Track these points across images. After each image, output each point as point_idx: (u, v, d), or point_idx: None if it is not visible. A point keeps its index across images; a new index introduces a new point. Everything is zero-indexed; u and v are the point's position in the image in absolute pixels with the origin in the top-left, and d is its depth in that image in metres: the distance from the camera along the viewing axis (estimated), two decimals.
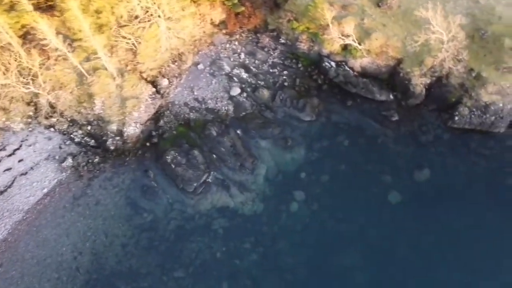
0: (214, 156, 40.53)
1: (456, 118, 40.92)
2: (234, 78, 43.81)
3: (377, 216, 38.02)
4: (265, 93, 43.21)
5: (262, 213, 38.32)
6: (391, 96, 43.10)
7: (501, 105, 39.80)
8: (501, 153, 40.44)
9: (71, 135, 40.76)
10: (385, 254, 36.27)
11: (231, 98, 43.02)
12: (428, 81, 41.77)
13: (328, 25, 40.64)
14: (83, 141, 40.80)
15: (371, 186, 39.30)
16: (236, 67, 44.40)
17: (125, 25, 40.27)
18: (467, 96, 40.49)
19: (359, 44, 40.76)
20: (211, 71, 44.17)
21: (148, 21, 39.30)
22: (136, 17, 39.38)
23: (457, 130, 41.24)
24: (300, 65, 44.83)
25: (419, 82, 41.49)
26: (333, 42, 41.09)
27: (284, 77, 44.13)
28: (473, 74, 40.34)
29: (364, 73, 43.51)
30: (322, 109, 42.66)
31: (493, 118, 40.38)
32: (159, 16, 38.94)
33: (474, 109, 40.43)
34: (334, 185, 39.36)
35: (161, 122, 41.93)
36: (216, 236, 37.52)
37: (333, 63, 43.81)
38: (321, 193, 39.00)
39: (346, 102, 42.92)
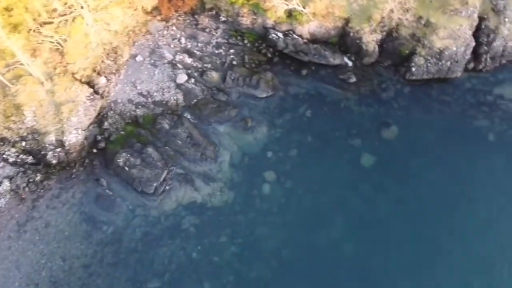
0: (171, 150, 36.90)
1: (413, 69, 39.90)
2: (178, 65, 40.31)
3: (353, 182, 36.25)
4: (214, 76, 40.09)
5: (234, 201, 35.30)
6: (345, 58, 41.46)
7: (454, 49, 39.13)
8: (462, 97, 40.01)
9: (4, 156, 35.57)
10: (369, 218, 34.64)
11: (178, 86, 39.51)
12: (380, 36, 40.44)
13: None
14: (19, 160, 35.79)
15: (342, 153, 37.45)
16: (178, 53, 40.90)
17: (47, 22, 35.63)
18: (420, 45, 39.52)
19: (304, 8, 38.50)
20: (152, 61, 40.39)
21: (70, 13, 34.90)
22: (54, 10, 34.84)
23: (416, 81, 40.29)
24: (246, 41, 42.06)
25: (370, 39, 40.05)
26: (276, 10, 38.60)
27: (232, 56, 41.18)
28: (423, 22, 39.42)
29: (314, 39, 41.54)
30: (277, 83, 40.16)
31: (448, 63, 39.73)
32: (81, 8, 34.62)
33: (429, 58, 39.51)
34: (304, 159, 37.08)
35: (106, 124, 37.70)
36: (188, 236, 34.08)
37: (280, 34, 41.44)
38: (292, 169, 36.57)
39: (301, 72, 40.71)
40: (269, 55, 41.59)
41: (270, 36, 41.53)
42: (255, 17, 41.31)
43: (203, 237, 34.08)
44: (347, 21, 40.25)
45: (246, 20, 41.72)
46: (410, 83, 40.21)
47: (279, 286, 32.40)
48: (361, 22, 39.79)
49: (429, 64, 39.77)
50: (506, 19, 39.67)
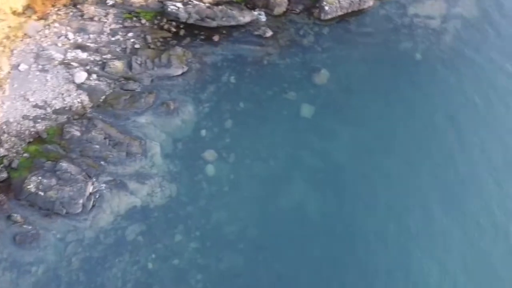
0: (90, 158, 31.43)
1: (326, 8, 37.97)
2: (73, 64, 34.68)
3: (299, 136, 33.49)
4: (118, 65, 35.01)
5: (179, 194, 30.86)
6: (255, 13, 38.34)
7: None
8: (380, 24, 38.98)
9: None
10: (324, 169, 32.09)
11: (79, 86, 33.95)
12: None
13: None
14: None
15: (279, 110, 34.47)
16: (69, 51, 35.24)
17: None
18: None
19: None
20: (40, 66, 34.33)
21: None
22: None
23: (332, 20, 38.52)
24: (143, 21, 37.37)
25: None
26: None
27: (132, 40, 36.32)
28: None
29: (217, 1, 37.79)
30: (190, 56, 36.06)
31: None
32: None
33: None
34: (242, 127, 33.56)
35: (2, 151, 31.14)
36: (137, 247, 29.12)
37: (178, 4, 37.31)
38: (232, 141, 32.86)
39: (213, 39, 36.96)
40: (174, 29, 37.29)
41: (169, 9, 37.22)
42: None
43: (155, 242, 29.31)
44: None
45: None
46: (327, 23, 38.27)
47: (254, 267, 28.67)
48: None
49: (340, 0, 37.85)
50: None
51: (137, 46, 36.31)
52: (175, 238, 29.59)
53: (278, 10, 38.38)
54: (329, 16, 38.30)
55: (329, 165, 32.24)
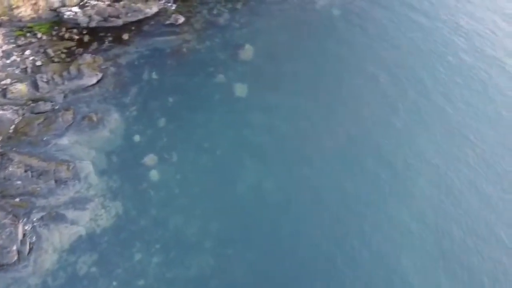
0: (13, 197, 27.37)
1: None
2: None
3: (238, 117, 31.81)
4: (21, 88, 31.02)
5: (126, 210, 27.94)
6: (162, 2, 35.83)
7: None
8: None
9: None
10: (271, 144, 30.70)
11: None
12: None
13: None
14: None
15: (212, 95, 32.57)
16: None
17: None
18: None
19: None
20: None
21: None
22: None
23: None
24: (39, 34, 33.44)
25: None
26: None
27: (31, 58, 32.34)
28: None
29: None
30: (102, 61, 32.89)
31: None
32: None
33: None
34: (177, 123, 31.12)
35: None
36: (93, 280, 25.90)
37: (75, 9, 33.95)
38: (170, 140, 30.41)
39: (122, 38, 34.04)
40: (76, 36, 33.80)
41: (65, 17, 33.70)
42: (34, 1, 32.54)
43: (113, 269, 26.22)
44: None
45: (26, 12, 32.84)
46: None
47: (226, 263, 26.56)
48: None
49: None
50: None
51: (38, 63, 32.38)
52: (134, 258, 26.67)
53: None
54: None
55: (274, 138, 30.90)
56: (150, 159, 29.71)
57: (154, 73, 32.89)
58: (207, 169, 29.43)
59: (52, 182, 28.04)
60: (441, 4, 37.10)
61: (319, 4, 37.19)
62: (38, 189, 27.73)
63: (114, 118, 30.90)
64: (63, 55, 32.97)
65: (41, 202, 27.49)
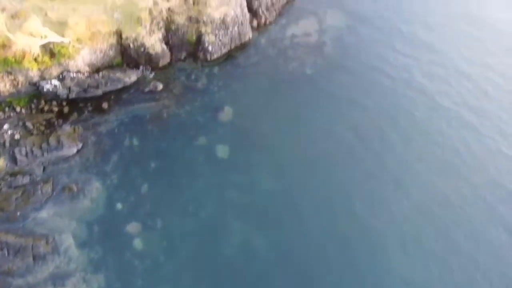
0: None
1: (210, 48, 37.91)
2: None
3: (221, 179, 31.81)
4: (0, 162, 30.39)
5: (109, 283, 26.98)
6: (140, 71, 36.72)
7: (232, 13, 38.68)
8: (266, 52, 40.02)
9: None
10: (256, 202, 30.61)
11: None
12: (160, 34, 37.30)
13: (9, 39, 30.56)
14: None
15: (194, 158, 32.77)
16: None
17: None
18: (202, 24, 37.75)
19: (63, 37, 32.29)
20: None
21: None
22: None
23: (220, 58, 39.06)
24: (18, 108, 33.49)
25: (153, 41, 36.50)
26: (31, 53, 31.38)
27: (10, 132, 32.22)
28: (191, 1, 37.60)
29: (96, 67, 35.76)
30: (81, 131, 32.98)
31: (236, 28, 39.36)
32: None
33: (216, 31, 38.34)
34: (160, 188, 30.97)
35: None
36: None
37: (54, 81, 34.32)
38: (154, 206, 30.03)
39: (102, 107, 34.40)
40: (56, 108, 34.06)
41: (45, 90, 34.05)
42: (13, 77, 33.05)
43: None
44: (119, 33, 35.60)
45: (4, 86, 33.13)
46: (215, 62, 38.41)
47: None
48: (133, 28, 35.75)
49: (220, 37, 38.31)
50: None
51: (17, 136, 32.18)
52: None
53: (163, 62, 37.34)
54: (216, 55, 38.26)
55: (257, 197, 30.90)
56: (133, 227, 29.00)
57: (135, 139, 33.04)
58: (193, 233, 28.86)
59: (30, 259, 26.86)
60: (403, 66, 39.30)
61: (292, 65, 38.94)
62: (15, 268, 26.49)
63: (95, 187, 30.41)
64: (42, 127, 32.92)
65: (18, 282, 26.15)
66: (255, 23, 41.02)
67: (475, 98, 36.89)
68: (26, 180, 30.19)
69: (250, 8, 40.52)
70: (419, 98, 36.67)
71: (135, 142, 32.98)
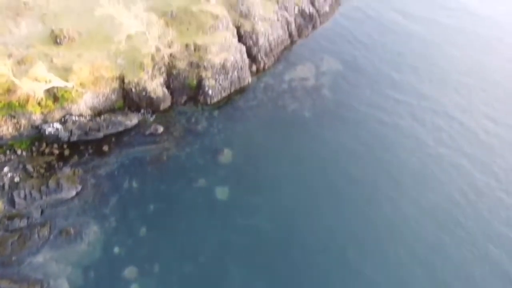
0: None
1: (210, 92, 38.73)
2: None
3: (221, 221, 31.51)
4: None
5: None
6: (141, 114, 37.35)
7: (232, 58, 40.05)
8: (264, 95, 41.05)
9: None
10: (256, 245, 30.19)
11: None
12: (162, 79, 38.24)
13: (14, 84, 31.39)
14: None
15: (194, 200, 32.67)
16: None
17: None
18: (202, 69, 38.79)
19: (67, 82, 33.16)
20: None
21: None
22: None
23: (220, 102, 39.83)
24: (19, 151, 33.74)
25: (154, 85, 37.38)
26: (35, 97, 32.12)
27: (10, 174, 32.26)
28: (192, 48, 38.88)
29: (98, 110, 36.39)
30: (81, 173, 33.06)
31: (236, 73, 40.28)
32: None
33: (217, 76, 39.20)
34: (158, 231, 30.61)
35: None
36: None
37: (57, 125, 34.80)
38: (152, 250, 29.60)
39: (103, 149, 34.74)
40: (57, 151, 34.28)
41: (47, 133, 34.45)
42: (15, 120, 33.57)
43: None
44: (121, 78, 36.56)
45: (7, 129, 33.57)
46: (215, 105, 39.09)
47: None
48: (136, 73, 36.75)
49: (220, 82, 39.26)
50: (256, 19, 42.75)
51: (16, 179, 32.20)
52: None
53: (164, 106, 38.05)
54: (215, 99, 39.06)
55: (257, 239, 30.48)
56: (130, 271, 28.40)
57: (134, 182, 33.04)
58: (191, 278, 28.23)
59: None
60: (395, 112, 40.14)
61: (291, 108, 39.73)
62: None
63: (93, 230, 30.08)
64: (42, 170, 32.99)
65: None
66: (254, 68, 42.18)
67: (468, 143, 37.23)
68: (23, 223, 29.89)
69: (249, 54, 41.79)
70: (411, 144, 37.15)
71: (135, 184, 32.94)
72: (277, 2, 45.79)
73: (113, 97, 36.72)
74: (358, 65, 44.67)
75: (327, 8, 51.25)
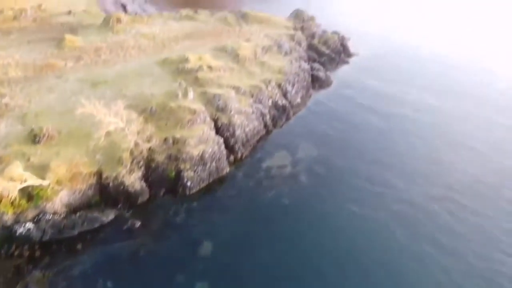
0: None
1: (189, 184, 39.09)
2: None
3: None
4: None
5: None
6: (118, 209, 36.85)
7: (210, 150, 40.84)
8: (243, 185, 41.10)
9: None
10: None
11: None
12: (140, 173, 38.42)
13: None
14: None
15: None
16: None
17: None
18: (181, 161, 39.39)
19: (43, 179, 32.89)
20: None
21: None
22: None
23: (199, 192, 39.81)
24: None
25: (132, 179, 37.49)
26: (9, 196, 31.41)
27: None
28: (171, 141, 39.82)
29: (73, 207, 35.63)
30: (52, 276, 31.29)
31: (214, 164, 41.02)
32: None
33: (195, 167, 39.72)
34: None
35: None
36: None
37: (28, 225, 33.76)
38: None
39: (76, 248, 33.43)
40: (27, 253, 32.71)
41: (18, 233, 33.18)
42: None
43: None
44: (99, 174, 36.57)
45: None
46: (194, 196, 39.04)
47: None
48: (114, 168, 36.95)
49: (199, 173, 39.64)
50: (232, 112, 44.78)
51: None
52: None
53: (142, 199, 37.71)
54: (194, 190, 39.09)
55: None
56: None
57: (109, 282, 31.32)
58: None
59: None
60: (368, 202, 40.27)
61: (269, 196, 39.89)
62: None
63: None
64: (9, 275, 31.10)
65: None
66: (232, 158, 43.06)
67: (442, 235, 36.59)
68: None
69: (227, 145, 42.95)
70: (383, 235, 36.50)
71: (109, 285, 31.18)
72: (252, 96, 48.37)
73: (90, 192, 36.33)
74: (331, 152, 46.20)
75: (298, 100, 54.33)
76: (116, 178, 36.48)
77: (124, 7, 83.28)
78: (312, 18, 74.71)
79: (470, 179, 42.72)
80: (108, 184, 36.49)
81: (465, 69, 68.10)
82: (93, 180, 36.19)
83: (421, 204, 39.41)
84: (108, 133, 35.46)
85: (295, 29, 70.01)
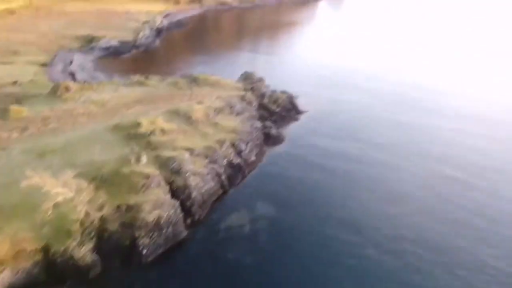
0: None
1: (144, 251, 37.57)
2: None
3: None
4: None
5: None
6: (67, 286, 34.16)
7: (165, 214, 39.77)
8: (201, 249, 39.99)
9: None
10: None
11: None
12: (92, 244, 36.50)
13: None
14: None
15: None
16: None
17: None
18: (135, 229, 38.02)
19: None
20: None
21: None
22: None
23: (156, 259, 37.76)
24: None
25: (83, 252, 35.52)
26: None
27: None
28: (124, 209, 38.60)
29: None
30: None
31: (170, 229, 39.83)
32: None
33: (151, 233, 38.41)
34: None
35: None
36: None
37: None
38: None
39: None
40: None
41: None
42: None
43: None
44: (47, 248, 34.30)
45: None
46: (150, 265, 37.25)
47: None
48: (62, 242, 34.89)
49: (155, 239, 38.33)
50: (187, 174, 44.52)
51: None
52: None
53: (93, 273, 35.46)
54: (151, 258, 37.47)
55: None
56: None
57: None
58: None
59: None
60: (327, 252, 40.82)
61: (230, 257, 38.67)
62: None
63: None
64: None
65: None
66: (189, 221, 42.16)
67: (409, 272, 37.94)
68: None
69: (183, 208, 42.13)
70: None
71: None
72: (206, 157, 48.53)
73: (35, 270, 33.72)
74: (287, 210, 46.32)
75: (253, 157, 55.12)
76: (64, 252, 34.31)
77: (73, 75, 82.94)
78: (261, 79, 78.06)
79: (416, 231, 44.09)
80: (56, 259, 34.16)
81: (410, 124, 72.65)
82: (39, 257, 33.74)
83: (373, 257, 39.93)
84: (56, 205, 33.79)
85: (245, 90, 72.63)
